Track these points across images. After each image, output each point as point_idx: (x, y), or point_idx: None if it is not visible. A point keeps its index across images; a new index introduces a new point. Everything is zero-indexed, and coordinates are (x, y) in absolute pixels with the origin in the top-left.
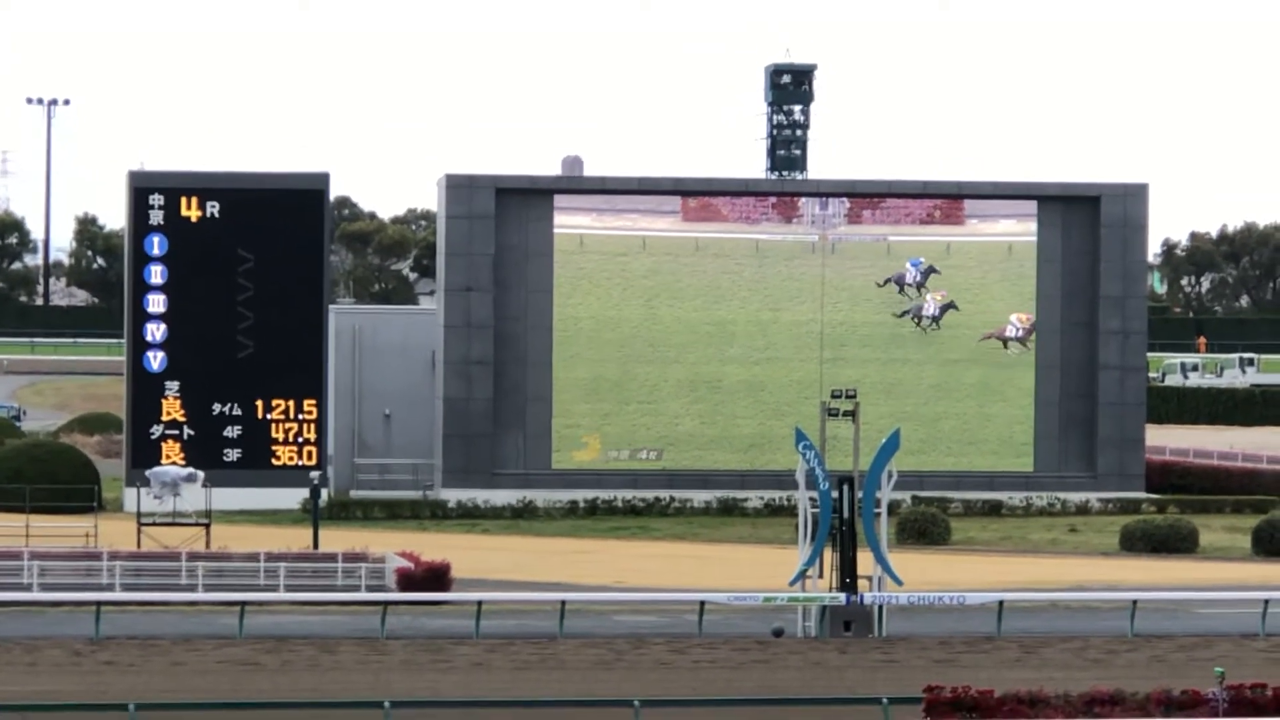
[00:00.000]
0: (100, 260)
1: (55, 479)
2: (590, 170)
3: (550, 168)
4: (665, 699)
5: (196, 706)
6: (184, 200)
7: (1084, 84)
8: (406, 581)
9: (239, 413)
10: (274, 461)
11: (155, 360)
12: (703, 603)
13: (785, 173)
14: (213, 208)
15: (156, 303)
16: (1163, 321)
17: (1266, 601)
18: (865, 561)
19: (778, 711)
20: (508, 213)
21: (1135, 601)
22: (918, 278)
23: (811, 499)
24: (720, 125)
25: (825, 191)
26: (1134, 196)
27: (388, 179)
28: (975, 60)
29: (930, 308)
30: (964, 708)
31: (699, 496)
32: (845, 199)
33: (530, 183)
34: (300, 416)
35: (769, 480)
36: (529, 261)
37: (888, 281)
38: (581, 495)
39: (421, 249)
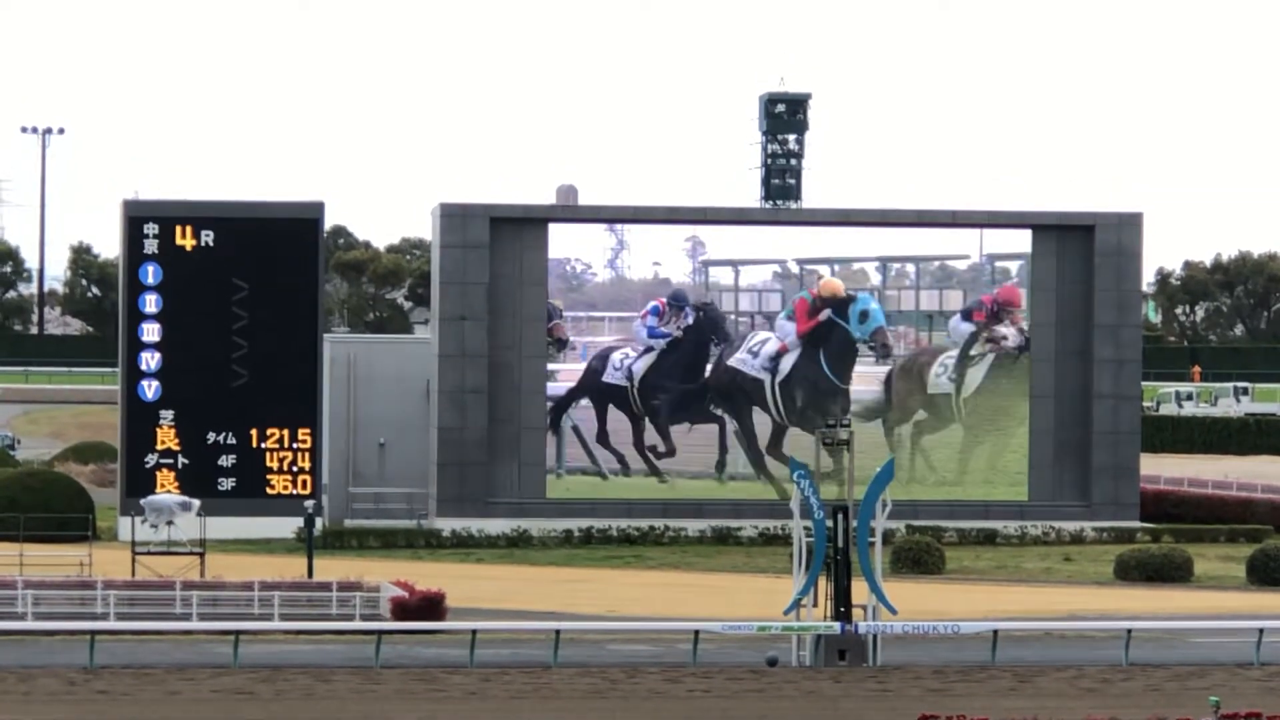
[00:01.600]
0: (94, 289)
1: (49, 508)
2: (585, 199)
3: (544, 196)
4: None
5: None
6: (178, 229)
7: (1078, 113)
8: (401, 610)
9: (233, 441)
10: (268, 490)
11: (150, 389)
12: (697, 632)
13: (780, 201)
14: (207, 236)
15: (151, 331)
16: (1157, 350)
17: (1261, 631)
18: (860, 591)
19: None
20: (502, 241)
21: (1130, 630)
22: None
23: (806, 528)
24: (715, 154)
25: (819, 220)
26: (1128, 225)
27: (382, 208)
28: (970, 89)
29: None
30: None
31: (693, 525)
32: (839, 227)
33: (524, 211)
34: (295, 445)
35: (763, 509)
36: (523, 290)
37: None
38: (576, 524)
39: (416, 278)
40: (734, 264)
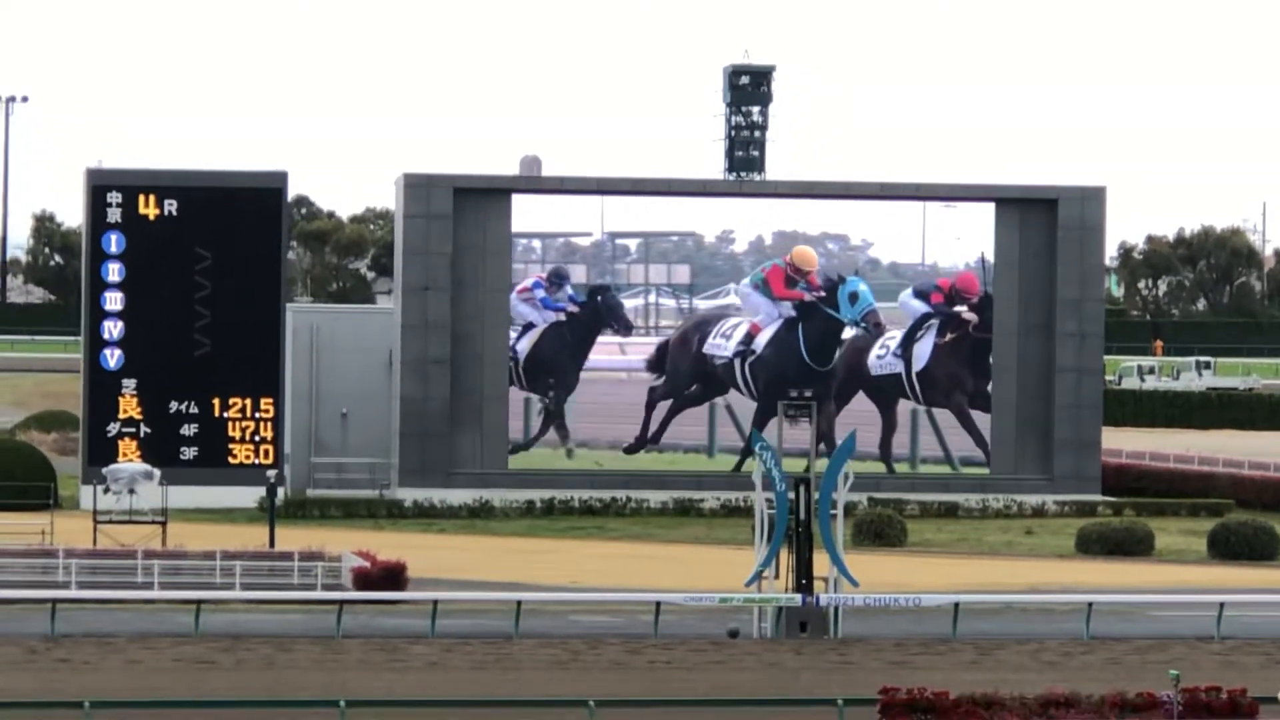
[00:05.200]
0: (58, 258)
1: (11, 476)
2: (548, 170)
3: (508, 167)
4: (620, 699)
5: (152, 705)
6: (142, 198)
7: (1042, 86)
8: (362, 581)
9: (196, 411)
10: (230, 460)
11: (112, 358)
12: (659, 603)
13: (743, 174)
14: (171, 206)
15: (114, 300)
16: (1119, 324)
17: (1222, 604)
18: (821, 563)
19: (733, 712)
20: (465, 212)
21: (1091, 604)
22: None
23: (768, 500)
24: (679, 125)
25: (783, 192)
26: (1091, 199)
27: (346, 178)
28: (934, 63)
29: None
30: (919, 709)
31: (656, 497)
32: (803, 199)
33: (488, 182)
34: (257, 415)
35: (725, 481)
36: (486, 261)
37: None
38: (538, 495)
39: (379, 248)
40: None
